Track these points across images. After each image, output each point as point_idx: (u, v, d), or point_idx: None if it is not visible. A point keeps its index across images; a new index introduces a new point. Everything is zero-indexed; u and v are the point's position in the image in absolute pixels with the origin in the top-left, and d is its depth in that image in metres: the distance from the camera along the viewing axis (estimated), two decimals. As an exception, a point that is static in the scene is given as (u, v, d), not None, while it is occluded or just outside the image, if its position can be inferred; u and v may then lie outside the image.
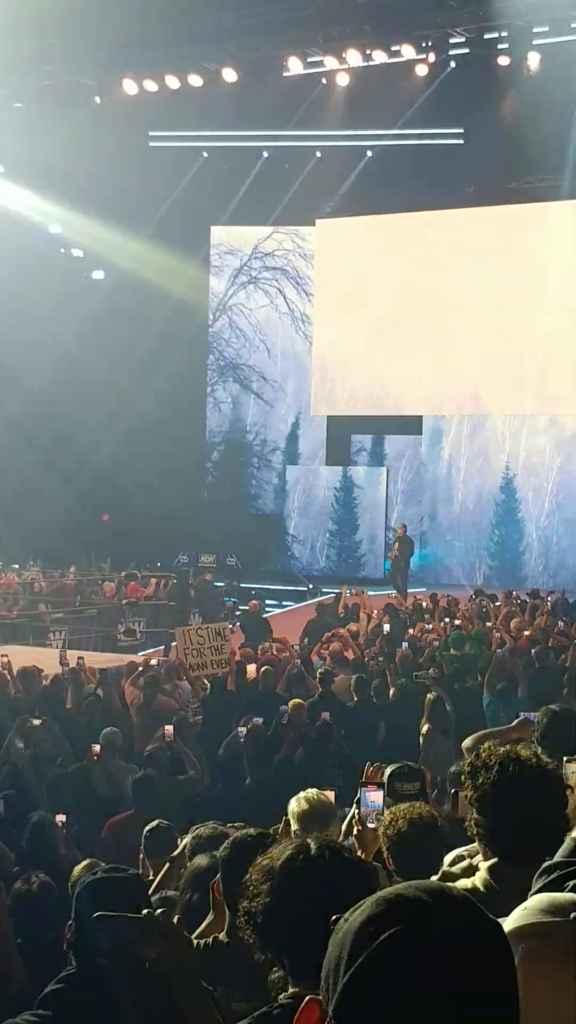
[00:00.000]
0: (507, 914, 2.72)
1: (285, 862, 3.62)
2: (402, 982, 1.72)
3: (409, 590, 32.98)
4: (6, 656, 18.07)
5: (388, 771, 7.30)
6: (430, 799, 7.53)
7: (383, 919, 1.79)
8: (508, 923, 2.70)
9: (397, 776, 7.22)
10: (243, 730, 13.46)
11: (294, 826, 6.42)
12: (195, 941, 5.45)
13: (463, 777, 4.81)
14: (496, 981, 1.78)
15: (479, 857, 4.83)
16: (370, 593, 31.11)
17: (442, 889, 1.86)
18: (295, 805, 6.55)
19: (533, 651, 19.00)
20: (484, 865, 4.54)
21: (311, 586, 34.29)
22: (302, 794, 6.61)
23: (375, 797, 7.01)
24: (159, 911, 3.89)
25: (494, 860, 4.49)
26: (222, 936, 5.39)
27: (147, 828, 8.78)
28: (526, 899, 2.94)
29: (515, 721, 8.31)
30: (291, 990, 3.54)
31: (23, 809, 10.83)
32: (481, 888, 4.38)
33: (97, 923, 3.83)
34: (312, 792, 6.64)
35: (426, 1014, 1.70)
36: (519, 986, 1.83)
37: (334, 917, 1.96)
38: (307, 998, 1.92)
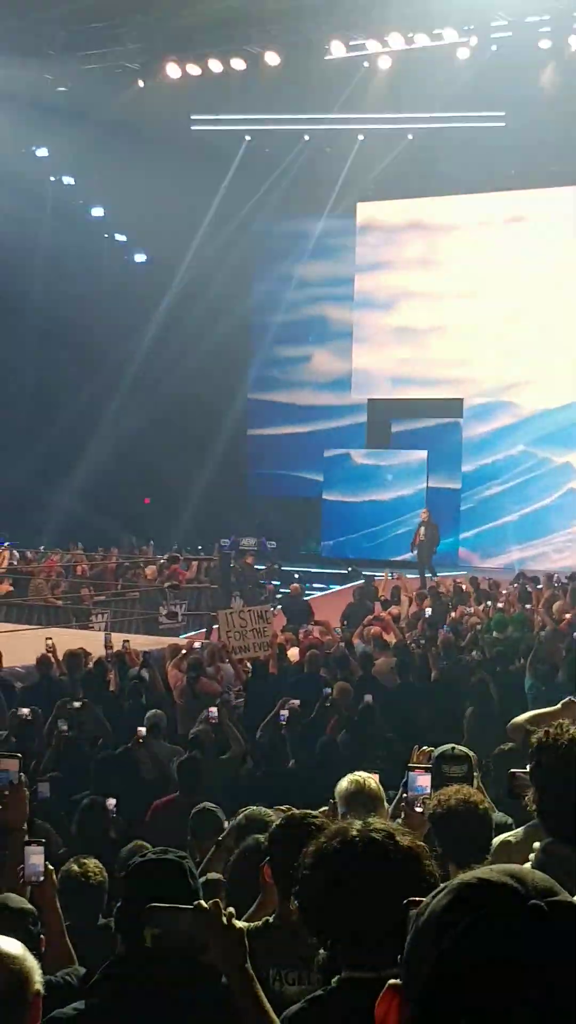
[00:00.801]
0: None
1: (338, 846, 3.64)
2: (491, 967, 1.72)
3: (449, 573, 33.00)
4: (51, 639, 18.14)
5: (435, 753, 7.30)
6: (477, 781, 7.53)
7: (467, 903, 1.80)
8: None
9: (444, 758, 7.22)
10: (285, 713, 13.47)
11: (341, 808, 6.44)
12: (245, 925, 5.49)
13: (531, 752, 4.82)
14: None
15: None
16: (409, 576, 31.12)
17: (524, 872, 1.86)
18: (343, 786, 6.56)
19: (575, 634, 19.00)
20: (538, 845, 4.56)
21: (351, 569, 34.26)
22: (349, 776, 6.62)
23: (423, 781, 7.01)
24: (211, 901, 3.92)
25: (549, 840, 4.51)
26: (272, 919, 5.41)
27: (193, 811, 8.82)
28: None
29: (561, 703, 8.30)
30: (344, 974, 3.57)
31: (67, 791, 10.89)
32: (534, 867, 4.38)
33: (148, 913, 3.84)
34: (360, 774, 6.64)
35: (516, 999, 1.70)
36: None
37: (409, 900, 1.96)
38: (388, 983, 1.92)
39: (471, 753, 7.37)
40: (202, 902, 3.88)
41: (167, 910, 3.84)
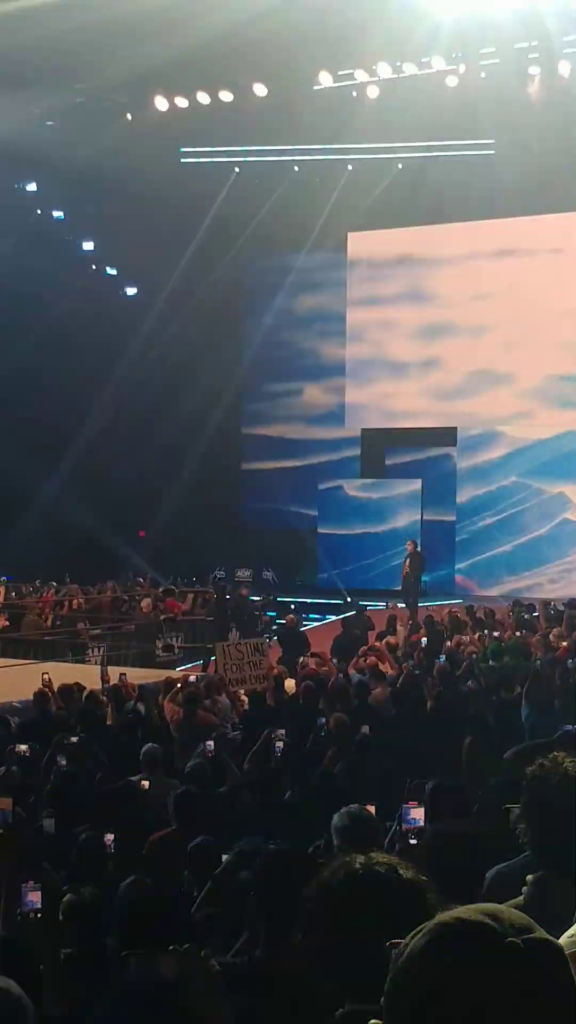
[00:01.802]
0: (551, 926, 2.73)
1: (342, 880, 3.64)
2: (470, 1006, 1.73)
3: (445, 602, 32.97)
4: (47, 674, 18.14)
5: (428, 786, 7.31)
6: (471, 812, 7.54)
7: (445, 944, 1.80)
8: (564, 939, 2.71)
9: (438, 790, 7.23)
10: (280, 745, 13.43)
11: (336, 841, 6.44)
12: (232, 959, 5.48)
13: (525, 785, 4.82)
14: (561, 1002, 1.79)
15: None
16: (401, 606, 31.12)
17: (500, 911, 1.87)
18: (337, 820, 6.56)
19: (570, 661, 18.97)
20: (531, 878, 4.55)
21: (348, 599, 34.23)
22: (344, 810, 6.62)
23: (416, 814, 7.02)
24: (187, 945, 3.91)
25: (541, 872, 4.51)
26: (259, 953, 5.41)
27: (191, 845, 8.80)
28: (571, 913, 2.96)
29: (557, 735, 8.30)
30: (347, 1007, 3.57)
31: (66, 827, 10.85)
32: (524, 901, 4.38)
33: (126, 959, 3.85)
34: (355, 808, 6.65)
35: None
36: None
37: (391, 941, 1.97)
38: (370, 1022, 1.92)
39: (463, 783, 7.38)
40: (176, 947, 3.88)
41: (145, 956, 3.84)
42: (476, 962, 1.76)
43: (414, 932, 1.88)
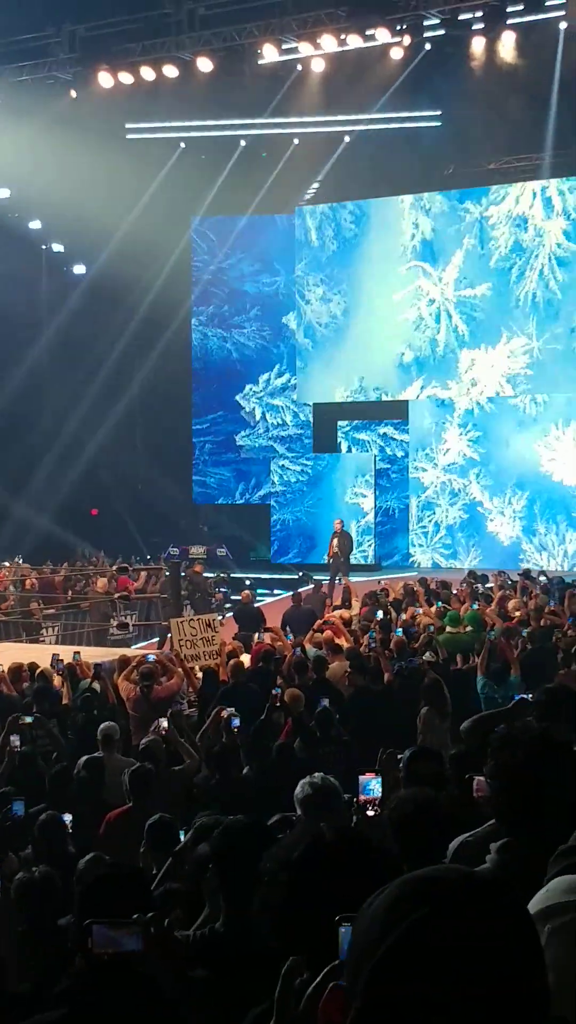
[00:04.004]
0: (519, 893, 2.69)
1: (303, 852, 3.58)
2: (431, 966, 1.69)
3: (400, 575, 33.02)
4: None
5: (407, 754, 7.27)
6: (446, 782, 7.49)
7: (408, 902, 1.76)
8: (532, 905, 2.68)
9: (415, 757, 7.19)
10: (236, 720, 13.36)
11: (299, 812, 6.40)
12: (193, 933, 5.45)
13: (490, 751, 4.79)
14: (526, 962, 1.75)
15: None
16: (356, 580, 31.11)
17: (466, 871, 1.83)
18: (300, 791, 6.52)
19: (525, 631, 19.03)
20: (495, 846, 4.51)
21: (301, 574, 34.22)
22: (306, 779, 6.57)
23: (373, 785, 6.98)
24: (150, 914, 3.87)
25: (506, 840, 4.46)
26: (218, 926, 5.38)
27: (148, 822, 8.75)
28: (537, 880, 2.92)
29: (512, 703, 8.28)
30: (306, 976, 3.52)
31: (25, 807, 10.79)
32: (492, 868, 4.34)
33: (88, 927, 3.82)
34: (317, 777, 6.60)
35: (456, 998, 1.67)
36: (548, 964, 1.80)
37: (339, 917, 1.93)
38: (331, 985, 1.88)
39: (441, 752, 7.35)
40: (140, 915, 3.84)
41: (107, 924, 3.81)
42: (443, 915, 1.72)
43: (375, 893, 1.84)
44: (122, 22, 31.21)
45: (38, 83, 33.31)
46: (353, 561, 34.95)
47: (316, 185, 40.09)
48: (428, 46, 30.85)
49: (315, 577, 31.57)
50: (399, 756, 7.45)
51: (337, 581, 31.18)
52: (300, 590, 28.98)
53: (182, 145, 39.09)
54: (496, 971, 1.70)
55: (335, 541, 32.94)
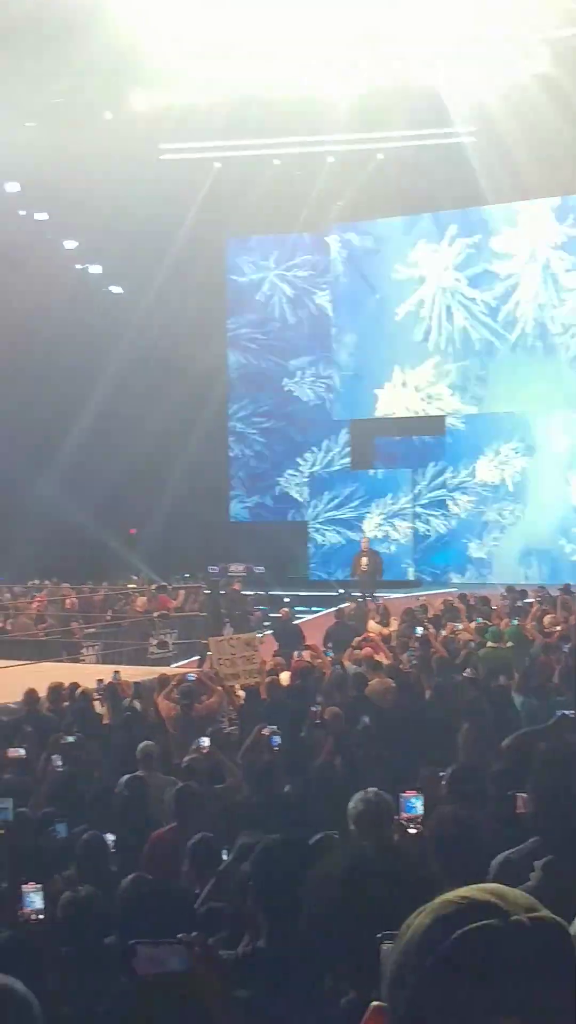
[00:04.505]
0: (562, 912, 2.70)
1: (346, 871, 3.60)
2: (472, 986, 1.71)
3: (438, 591, 32.95)
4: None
5: (448, 772, 7.28)
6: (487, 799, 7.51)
7: (449, 922, 1.78)
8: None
9: (457, 776, 7.19)
10: (277, 739, 13.37)
11: (352, 826, 6.41)
12: (236, 952, 5.47)
13: (534, 769, 4.79)
14: (566, 983, 1.77)
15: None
16: (396, 596, 31.09)
17: (505, 890, 1.85)
18: (352, 805, 6.53)
19: (566, 647, 18.96)
20: (539, 864, 4.52)
21: (341, 591, 34.18)
22: (360, 795, 6.59)
23: (415, 803, 6.98)
24: (193, 934, 3.90)
25: (550, 857, 4.48)
26: (261, 944, 5.40)
27: (191, 841, 8.76)
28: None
29: (553, 720, 8.28)
30: (351, 995, 3.54)
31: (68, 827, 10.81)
32: (533, 887, 4.35)
33: (133, 948, 3.84)
34: (372, 792, 6.61)
35: (496, 1019, 1.69)
36: None
37: (382, 934, 1.95)
38: (372, 1005, 1.90)
39: (483, 769, 7.35)
40: (184, 935, 3.87)
41: (152, 944, 3.84)
42: (480, 940, 1.74)
43: (416, 912, 1.86)
44: (157, 44, 31.32)
45: (74, 105, 33.45)
46: (393, 577, 34.91)
47: (345, 202, 39.99)
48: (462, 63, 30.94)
49: (353, 594, 31.57)
50: (440, 774, 7.44)
51: (369, 598, 31.12)
52: (343, 606, 28.98)
53: (217, 165, 39.16)
54: (536, 993, 1.72)
55: (364, 560, 32.81)
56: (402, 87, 31.94)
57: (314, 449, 42.23)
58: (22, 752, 13.58)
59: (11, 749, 13.76)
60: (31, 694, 17.04)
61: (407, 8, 28.80)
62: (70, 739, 13.83)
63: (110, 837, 9.59)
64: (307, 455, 42.33)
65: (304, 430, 42.40)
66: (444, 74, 31.29)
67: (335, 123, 34.52)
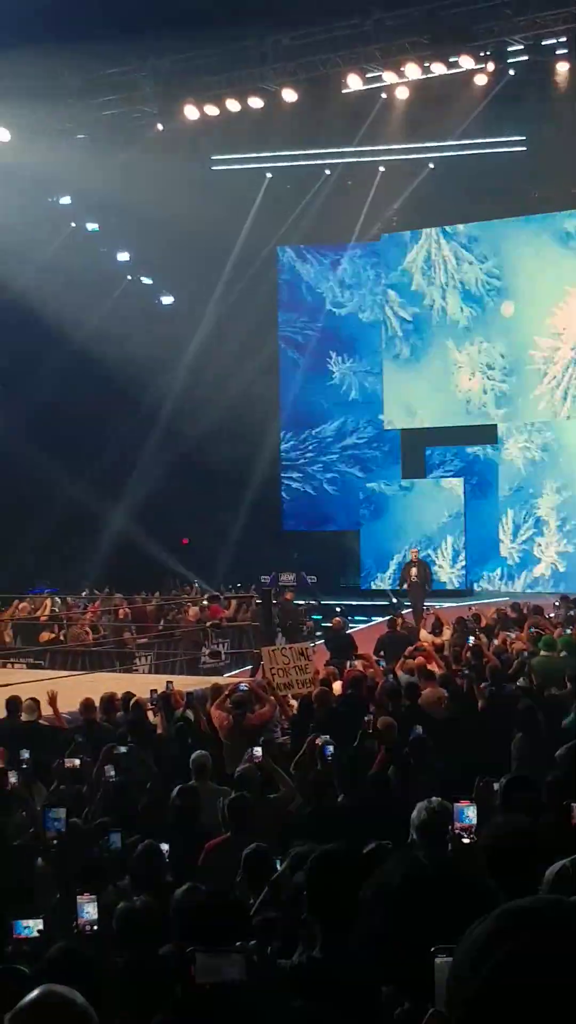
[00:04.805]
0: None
1: (401, 882, 3.61)
2: (528, 999, 1.71)
3: (491, 600, 32.86)
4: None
5: (503, 782, 7.26)
6: (542, 809, 7.48)
7: (506, 934, 1.78)
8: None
9: (512, 786, 7.17)
10: (331, 748, 13.36)
11: (414, 836, 6.40)
12: (291, 962, 5.47)
13: None
14: None
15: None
16: (447, 605, 31.01)
17: (563, 899, 1.85)
18: (416, 815, 6.51)
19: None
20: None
21: (394, 600, 34.12)
22: (424, 803, 6.57)
23: (469, 813, 6.97)
24: (251, 942, 3.91)
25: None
26: (315, 954, 5.39)
27: (245, 851, 8.77)
28: None
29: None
30: (407, 1005, 3.54)
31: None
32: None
33: (192, 955, 3.85)
34: (435, 801, 6.59)
35: None
36: None
37: (436, 947, 1.95)
38: (430, 1012, 1.90)
39: (537, 779, 7.32)
40: (242, 943, 3.88)
41: (209, 953, 3.85)
42: (540, 949, 1.74)
43: (477, 921, 1.86)
44: (207, 55, 31.42)
45: (124, 117, 33.67)
46: (442, 587, 34.87)
47: (397, 211, 39.98)
48: (512, 72, 30.89)
49: (406, 603, 31.54)
50: (494, 784, 7.42)
51: (426, 610, 31.03)
52: (396, 615, 28.93)
53: (268, 176, 39.25)
54: None
55: (413, 571, 32.72)
56: (454, 94, 31.88)
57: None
58: (76, 762, 13.62)
59: (66, 759, 13.79)
60: (87, 703, 17.06)
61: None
62: (123, 749, 13.85)
63: (164, 847, 9.60)
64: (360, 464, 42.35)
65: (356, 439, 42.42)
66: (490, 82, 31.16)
67: (387, 132, 34.52)
